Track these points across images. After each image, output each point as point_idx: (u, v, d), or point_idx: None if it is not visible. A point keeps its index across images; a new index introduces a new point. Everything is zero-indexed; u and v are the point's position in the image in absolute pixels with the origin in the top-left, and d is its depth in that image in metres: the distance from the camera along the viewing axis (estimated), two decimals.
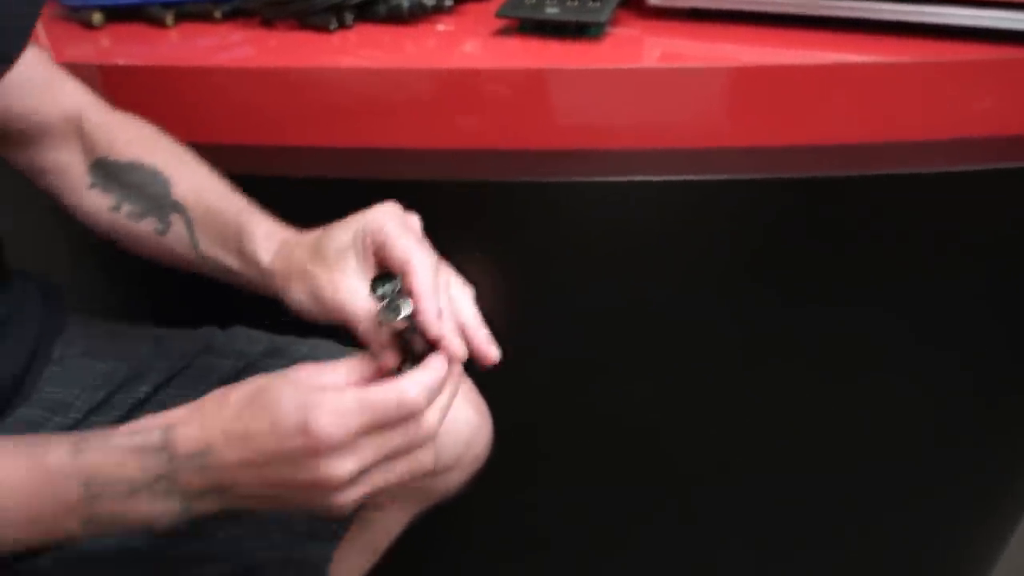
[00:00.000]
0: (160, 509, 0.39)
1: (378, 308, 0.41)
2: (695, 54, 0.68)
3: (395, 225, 0.44)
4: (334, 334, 0.64)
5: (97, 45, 0.58)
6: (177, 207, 0.52)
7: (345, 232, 0.45)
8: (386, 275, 0.42)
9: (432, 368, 0.40)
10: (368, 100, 0.66)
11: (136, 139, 0.54)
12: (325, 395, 0.38)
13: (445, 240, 0.45)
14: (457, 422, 0.61)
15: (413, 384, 0.39)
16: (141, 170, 0.53)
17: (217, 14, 0.80)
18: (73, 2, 0.80)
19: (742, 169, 0.64)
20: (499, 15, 0.71)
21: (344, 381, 0.41)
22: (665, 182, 0.64)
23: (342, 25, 0.75)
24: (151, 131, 0.56)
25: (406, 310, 0.40)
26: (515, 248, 0.69)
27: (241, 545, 0.55)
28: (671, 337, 0.74)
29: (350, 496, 0.39)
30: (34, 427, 0.54)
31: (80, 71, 0.58)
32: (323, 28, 0.74)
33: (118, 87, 0.69)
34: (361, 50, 0.73)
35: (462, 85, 0.65)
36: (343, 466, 0.38)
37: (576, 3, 0.70)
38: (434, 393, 0.40)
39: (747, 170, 0.64)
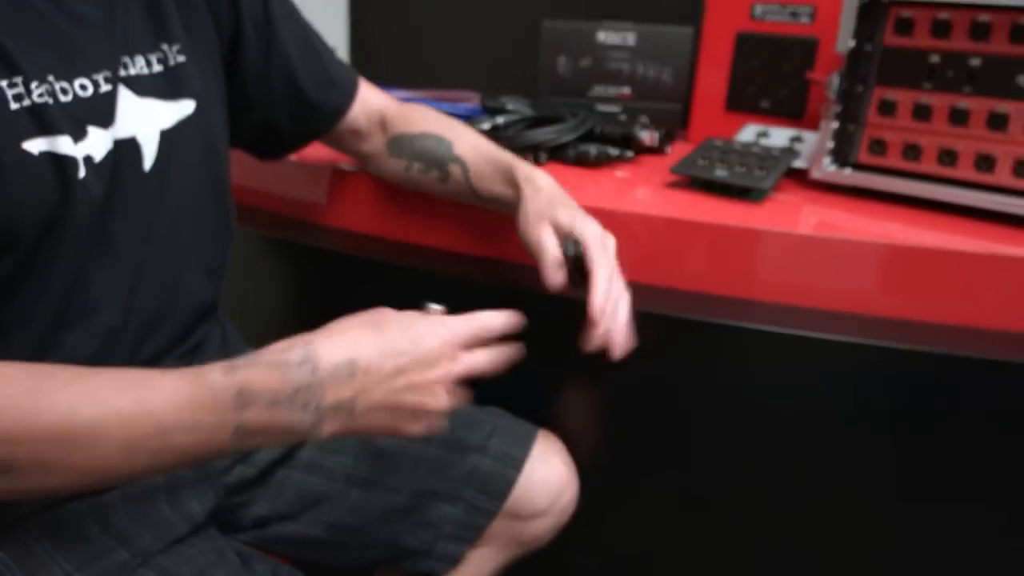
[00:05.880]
0: (297, 419, 0.46)
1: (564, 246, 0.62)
2: (844, 226, 0.73)
3: (597, 248, 0.61)
4: None
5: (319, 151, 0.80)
6: (457, 160, 0.72)
7: (566, 216, 0.63)
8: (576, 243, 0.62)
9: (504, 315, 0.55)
10: None
11: (425, 118, 0.75)
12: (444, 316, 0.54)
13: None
14: (549, 472, 0.71)
15: (497, 317, 0.55)
16: (428, 137, 0.73)
17: None
18: None
19: (878, 336, 0.67)
20: (674, 171, 0.81)
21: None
22: (801, 337, 0.68)
23: (537, 162, 0.88)
24: (436, 113, 0.77)
25: (576, 249, 0.61)
26: (647, 370, 0.75)
27: (398, 538, 0.68)
28: (780, 486, 0.76)
29: (448, 384, 0.51)
30: None
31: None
32: None
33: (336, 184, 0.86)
34: None
35: (631, 226, 0.75)
36: (456, 366, 0.51)
37: (744, 169, 0.79)
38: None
39: (882, 338, 0.67)
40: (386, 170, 0.77)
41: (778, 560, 0.79)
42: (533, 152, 0.88)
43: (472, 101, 1.07)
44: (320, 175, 0.89)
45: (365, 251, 0.84)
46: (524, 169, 0.68)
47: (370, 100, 0.75)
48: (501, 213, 0.72)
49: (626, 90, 1.03)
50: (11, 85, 0.45)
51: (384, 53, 1.47)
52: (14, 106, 0.45)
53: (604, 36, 1.01)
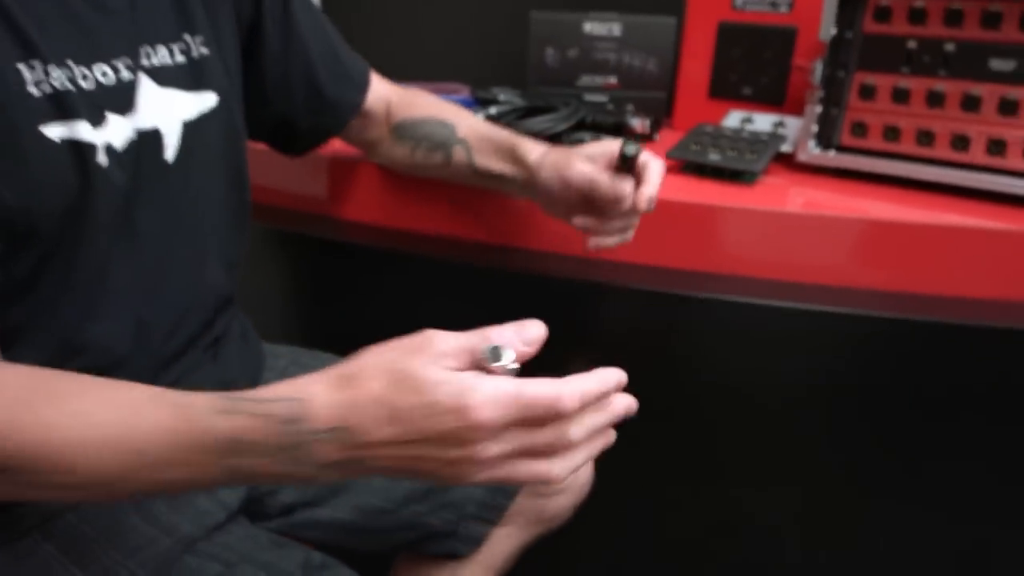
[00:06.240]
0: (291, 472, 0.41)
1: (624, 145, 0.63)
2: (832, 205, 0.77)
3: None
4: None
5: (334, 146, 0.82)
6: (460, 141, 0.75)
7: (597, 148, 0.67)
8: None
9: (591, 378, 0.41)
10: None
11: (427, 103, 0.78)
12: (482, 379, 0.39)
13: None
14: None
15: (570, 389, 0.39)
16: (431, 121, 0.76)
17: None
18: None
19: (861, 306, 0.72)
20: (669, 155, 0.84)
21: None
22: (794, 309, 0.72)
23: None
24: (435, 98, 0.79)
25: (636, 149, 0.63)
26: (637, 343, 0.79)
27: (422, 519, 0.69)
28: (768, 448, 0.80)
29: (481, 475, 0.40)
30: None
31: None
32: None
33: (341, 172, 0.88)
34: None
35: None
36: (489, 449, 0.39)
37: (735, 153, 0.82)
38: (588, 402, 0.40)
39: (865, 308, 0.71)
40: (391, 155, 0.79)
41: (767, 530, 0.84)
42: None
43: (461, 92, 1.09)
44: (318, 166, 0.90)
45: (367, 240, 0.86)
46: (527, 143, 0.72)
47: (378, 89, 0.77)
48: (501, 194, 0.74)
49: (613, 80, 1.06)
50: (30, 68, 0.45)
51: (360, 45, 1.47)
52: (32, 90, 0.45)
53: (591, 27, 1.03)
